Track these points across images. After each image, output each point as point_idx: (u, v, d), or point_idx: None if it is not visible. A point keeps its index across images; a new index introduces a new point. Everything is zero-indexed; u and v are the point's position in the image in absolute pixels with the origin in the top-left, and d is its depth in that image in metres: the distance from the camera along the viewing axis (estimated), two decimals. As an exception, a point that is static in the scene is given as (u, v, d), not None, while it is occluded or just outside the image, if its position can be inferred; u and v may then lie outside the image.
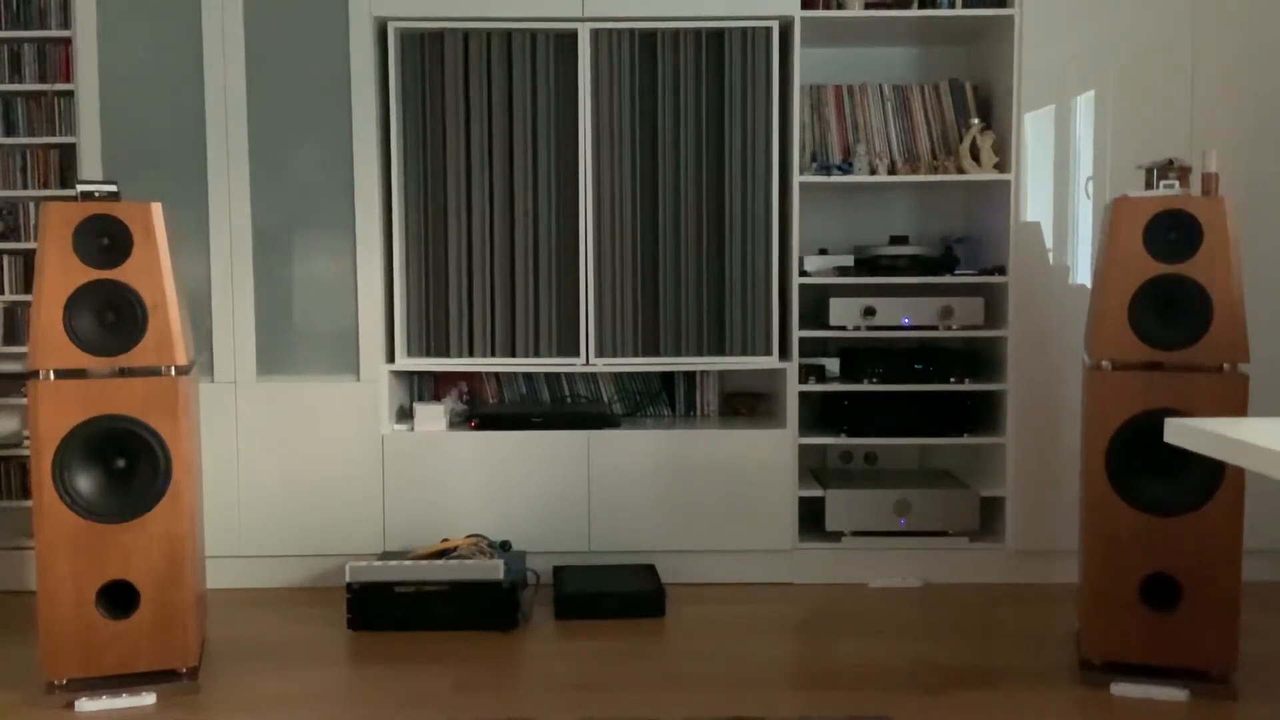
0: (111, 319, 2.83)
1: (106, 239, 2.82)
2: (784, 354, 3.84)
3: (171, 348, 2.85)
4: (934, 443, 3.87)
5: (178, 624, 2.88)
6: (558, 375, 4.14)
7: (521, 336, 3.82)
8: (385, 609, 3.35)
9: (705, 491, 3.76)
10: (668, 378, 4.15)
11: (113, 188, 2.88)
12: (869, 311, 3.78)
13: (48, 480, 2.78)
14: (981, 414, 3.92)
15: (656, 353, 3.83)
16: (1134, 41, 3.68)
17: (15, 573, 3.78)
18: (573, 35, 3.77)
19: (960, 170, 3.81)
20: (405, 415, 4.00)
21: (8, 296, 3.82)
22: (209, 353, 3.71)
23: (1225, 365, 2.81)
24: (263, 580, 3.78)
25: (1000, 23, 3.77)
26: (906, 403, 3.83)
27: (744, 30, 3.75)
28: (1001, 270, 3.77)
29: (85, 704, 2.79)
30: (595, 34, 3.75)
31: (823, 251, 4.02)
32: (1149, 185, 3.04)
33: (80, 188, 2.85)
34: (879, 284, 3.84)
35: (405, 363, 3.82)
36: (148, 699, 2.83)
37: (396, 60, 3.75)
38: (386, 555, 3.58)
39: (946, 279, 3.80)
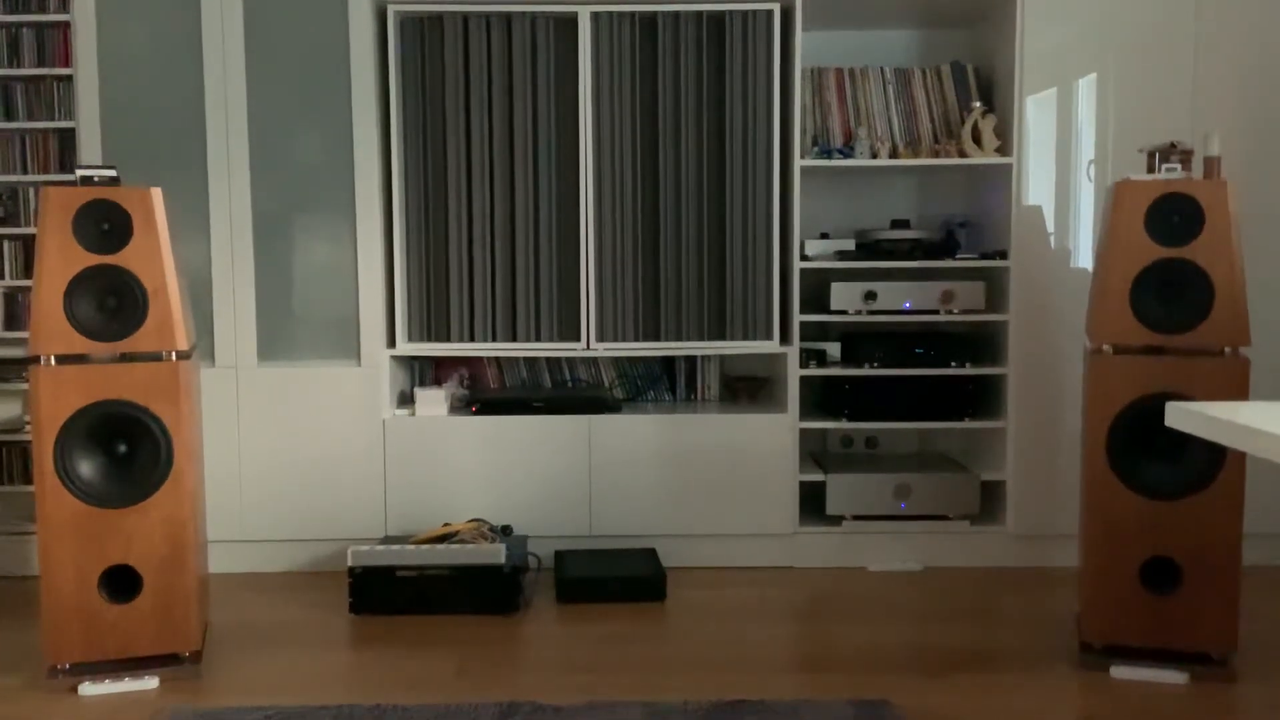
0: (112, 304, 2.83)
1: (106, 224, 2.81)
2: (785, 338, 3.84)
3: (172, 333, 2.85)
4: (935, 427, 3.87)
5: (180, 608, 2.88)
6: (558, 360, 4.14)
7: (522, 321, 3.82)
8: (387, 593, 3.36)
9: (706, 476, 3.77)
10: (668, 362, 4.15)
11: (112, 173, 2.87)
12: (870, 296, 3.77)
13: (49, 465, 2.78)
14: (982, 398, 3.92)
15: (657, 337, 3.83)
16: (1136, 23, 3.67)
17: (18, 557, 3.79)
18: (573, 18, 3.75)
19: (962, 154, 3.80)
20: (406, 400, 4.00)
21: (8, 282, 3.82)
22: (210, 338, 3.71)
23: (1226, 349, 2.81)
24: (265, 565, 3.79)
25: (1002, 5, 3.76)
26: (907, 387, 3.83)
27: (745, 13, 3.74)
28: (1003, 254, 3.76)
29: (88, 688, 2.80)
30: (596, 17, 3.74)
31: (824, 235, 4.01)
32: (1151, 168, 3.03)
33: (80, 173, 2.85)
34: (880, 268, 3.84)
35: (406, 348, 3.82)
36: (150, 683, 2.84)
37: (396, 44, 3.74)
38: (388, 540, 3.59)
39: (948, 263, 3.80)
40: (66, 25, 3.72)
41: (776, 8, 3.74)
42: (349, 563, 3.35)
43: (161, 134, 3.68)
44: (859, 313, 3.78)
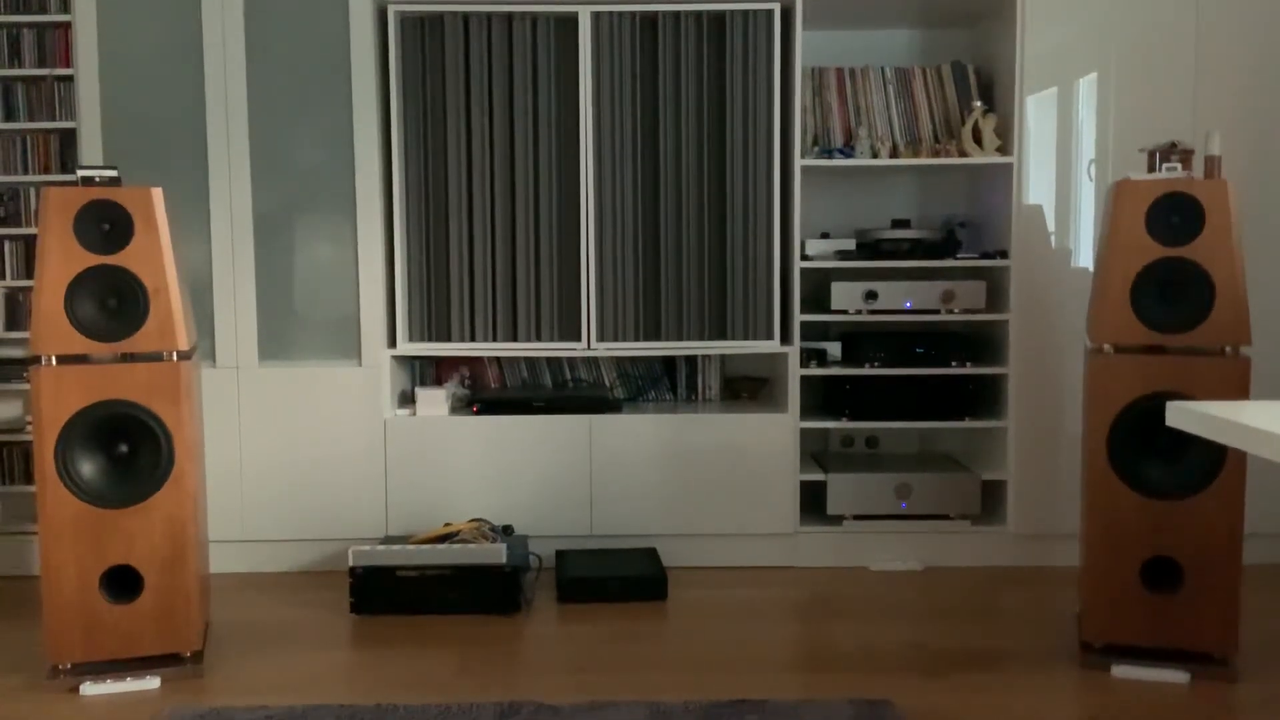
0: (113, 304, 2.83)
1: (107, 224, 2.82)
2: (785, 338, 3.84)
3: (173, 333, 2.85)
4: (935, 426, 3.87)
5: (181, 608, 2.89)
6: (559, 360, 4.14)
7: (523, 321, 3.82)
8: (388, 593, 3.36)
9: (707, 475, 3.77)
10: (669, 362, 4.15)
11: (113, 173, 2.87)
12: (870, 295, 3.77)
13: (50, 465, 2.78)
14: (983, 398, 3.92)
15: (658, 337, 3.83)
16: (1137, 23, 3.67)
17: (19, 558, 3.79)
18: (573, 18, 3.75)
19: (962, 153, 3.80)
20: (407, 400, 4.00)
21: (9, 282, 3.82)
22: (210, 338, 3.71)
23: (1227, 348, 2.81)
24: (266, 564, 3.79)
25: (1002, 5, 3.76)
26: (908, 387, 3.83)
27: (745, 12, 3.74)
28: (1003, 254, 3.76)
29: (89, 688, 2.80)
30: (596, 17, 3.74)
31: (824, 235, 4.01)
32: (1151, 168, 3.03)
33: (81, 173, 2.85)
34: (881, 268, 3.84)
35: (407, 347, 3.82)
36: (151, 683, 2.84)
37: (397, 44, 3.74)
38: (389, 540, 3.59)
39: (948, 262, 3.80)
40: (67, 25, 3.72)
41: (777, 7, 3.74)
42: (350, 562, 3.35)
43: (162, 134, 3.68)
44: (859, 312, 3.78)
